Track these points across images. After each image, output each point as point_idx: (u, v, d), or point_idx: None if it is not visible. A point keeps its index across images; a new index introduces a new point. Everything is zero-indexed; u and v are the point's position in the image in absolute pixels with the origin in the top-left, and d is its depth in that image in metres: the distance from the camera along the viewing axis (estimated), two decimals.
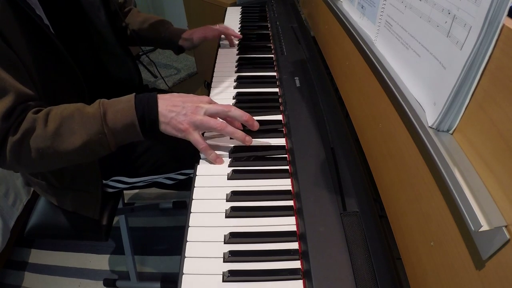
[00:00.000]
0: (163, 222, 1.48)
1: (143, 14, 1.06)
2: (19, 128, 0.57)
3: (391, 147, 0.49)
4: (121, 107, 0.60)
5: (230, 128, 0.64)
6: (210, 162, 0.65)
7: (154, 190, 1.42)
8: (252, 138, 0.71)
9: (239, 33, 1.18)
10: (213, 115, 0.63)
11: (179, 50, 1.07)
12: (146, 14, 1.06)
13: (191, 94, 0.66)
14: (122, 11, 1.04)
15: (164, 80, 1.34)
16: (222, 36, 1.11)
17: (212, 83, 0.91)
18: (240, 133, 0.65)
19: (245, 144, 0.66)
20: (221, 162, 0.65)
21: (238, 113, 0.65)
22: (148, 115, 0.60)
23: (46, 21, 0.68)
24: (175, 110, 0.61)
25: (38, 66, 0.63)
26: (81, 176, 0.80)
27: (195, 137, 0.62)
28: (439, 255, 0.36)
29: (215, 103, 0.66)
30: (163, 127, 0.62)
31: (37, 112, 0.59)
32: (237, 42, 1.11)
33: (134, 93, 0.63)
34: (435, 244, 0.37)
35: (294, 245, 0.52)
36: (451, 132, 0.38)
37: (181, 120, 0.61)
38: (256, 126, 0.67)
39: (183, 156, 0.88)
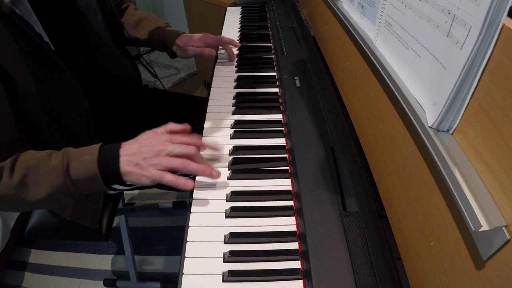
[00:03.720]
0: (163, 222, 1.48)
1: (140, 12, 1.03)
2: None
3: (391, 147, 0.49)
4: (84, 160, 0.59)
5: (192, 166, 0.59)
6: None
7: (154, 190, 1.42)
8: (252, 138, 0.71)
9: (239, 33, 1.18)
10: (177, 155, 0.60)
11: (172, 54, 1.03)
12: (142, 13, 1.03)
13: (153, 133, 0.62)
14: (119, 8, 1.02)
15: (161, 82, 1.33)
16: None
17: (212, 83, 0.91)
18: (204, 169, 0.60)
19: (213, 179, 0.62)
20: (191, 186, 0.60)
21: (199, 158, 0.62)
22: (110, 168, 0.59)
23: (46, 39, 0.66)
24: (135, 160, 0.59)
25: (37, 82, 0.63)
26: None
27: (169, 179, 0.58)
28: (439, 255, 0.36)
29: (175, 135, 0.62)
30: (133, 179, 0.59)
31: (5, 159, 0.58)
32: (236, 52, 1.06)
33: (100, 143, 0.61)
34: (435, 244, 0.37)
35: (294, 245, 0.52)
36: (451, 132, 0.38)
37: (146, 167, 0.58)
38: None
39: None
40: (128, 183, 0.61)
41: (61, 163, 0.58)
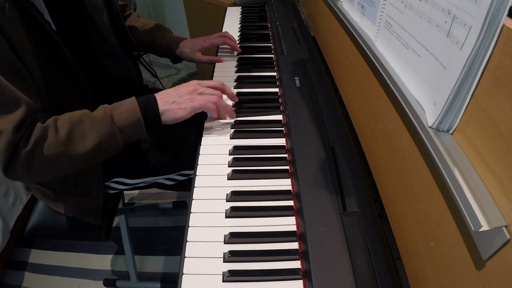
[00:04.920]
0: (163, 222, 1.48)
1: (142, 19, 1.05)
2: (30, 138, 0.58)
3: (391, 147, 0.49)
4: (126, 108, 0.65)
5: (223, 102, 0.73)
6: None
7: (154, 190, 1.42)
8: (252, 138, 0.71)
9: (239, 33, 1.18)
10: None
11: (175, 59, 1.05)
12: (145, 20, 1.05)
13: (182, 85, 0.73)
14: (122, 14, 1.04)
15: (160, 82, 1.34)
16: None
17: None
18: (230, 108, 0.75)
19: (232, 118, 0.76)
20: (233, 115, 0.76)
21: (229, 90, 0.78)
22: (150, 111, 0.66)
23: (54, 27, 0.68)
24: (171, 99, 0.68)
25: (43, 71, 0.64)
26: (84, 180, 0.80)
27: (209, 105, 0.69)
28: (439, 255, 0.36)
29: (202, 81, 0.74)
30: (170, 115, 0.67)
31: (44, 122, 0.60)
32: (235, 54, 1.06)
33: (134, 97, 0.67)
34: (435, 244, 0.37)
35: (294, 245, 0.52)
36: (451, 132, 0.38)
37: (182, 102, 0.68)
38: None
39: (183, 157, 0.88)
40: (165, 123, 0.69)
41: (106, 113, 0.63)
